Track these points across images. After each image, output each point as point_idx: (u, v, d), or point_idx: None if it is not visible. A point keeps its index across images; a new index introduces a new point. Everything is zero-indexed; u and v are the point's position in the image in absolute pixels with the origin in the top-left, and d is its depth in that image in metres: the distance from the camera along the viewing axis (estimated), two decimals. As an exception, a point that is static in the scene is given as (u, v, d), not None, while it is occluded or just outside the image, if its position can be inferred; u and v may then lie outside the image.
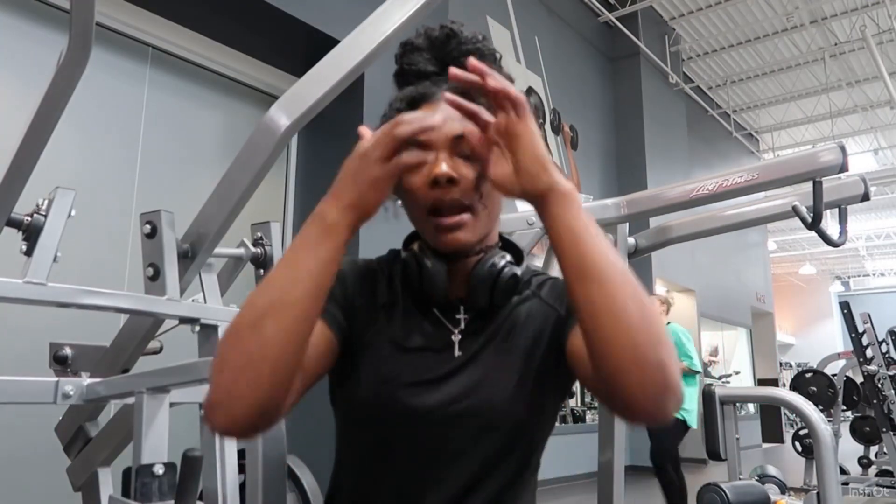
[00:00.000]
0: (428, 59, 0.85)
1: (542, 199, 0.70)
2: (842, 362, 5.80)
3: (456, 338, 0.83)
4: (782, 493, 2.63)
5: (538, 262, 2.02)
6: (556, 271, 1.87)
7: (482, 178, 0.77)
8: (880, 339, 5.15)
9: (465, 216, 0.78)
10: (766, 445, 11.18)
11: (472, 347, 0.83)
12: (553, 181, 0.69)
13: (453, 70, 0.69)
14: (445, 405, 0.79)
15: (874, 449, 5.78)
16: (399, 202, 0.85)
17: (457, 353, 0.83)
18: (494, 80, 0.68)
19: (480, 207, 0.79)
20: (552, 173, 0.70)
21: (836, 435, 4.76)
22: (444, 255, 0.82)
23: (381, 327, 0.83)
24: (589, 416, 7.37)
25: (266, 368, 0.65)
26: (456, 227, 0.78)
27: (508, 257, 0.84)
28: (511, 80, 0.81)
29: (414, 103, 0.82)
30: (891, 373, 5.02)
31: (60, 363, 1.66)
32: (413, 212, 0.82)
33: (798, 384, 5.42)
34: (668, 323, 4.79)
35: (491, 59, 0.84)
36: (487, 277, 0.81)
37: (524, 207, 1.86)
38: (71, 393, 1.39)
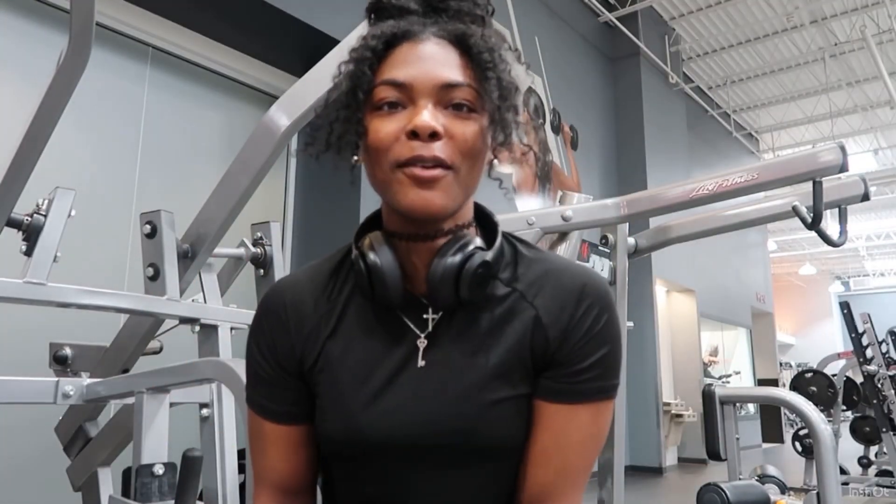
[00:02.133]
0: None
1: None
2: (842, 362, 5.79)
3: (421, 343, 0.69)
4: (782, 493, 2.63)
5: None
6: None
7: (475, 138, 0.65)
8: (880, 339, 5.15)
9: (445, 172, 0.64)
10: (766, 445, 11.18)
11: (439, 356, 0.69)
12: None
13: None
14: (410, 433, 0.67)
15: (874, 449, 5.77)
16: (357, 162, 0.70)
17: (419, 363, 0.69)
18: None
19: (464, 170, 0.66)
20: None
21: (836, 435, 4.75)
22: (410, 225, 0.68)
23: (333, 349, 0.71)
24: (589, 416, 7.36)
25: None
26: (432, 181, 0.63)
27: (478, 241, 0.68)
28: (503, 38, 0.71)
29: (394, 41, 0.67)
30: (891, 373, 5.01)
31: (60, 363, 1.66)
32: (377, 169, 0.66)
33: (798, 384, 5.42)
34: None
35: (484, 8, 0.71)
36: (448, 271, 0.66)
37: (524, 207, 1.85)
38: (71, 393, 1.39)
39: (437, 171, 0.63)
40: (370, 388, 0.68)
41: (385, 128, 0.65)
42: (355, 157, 0.69)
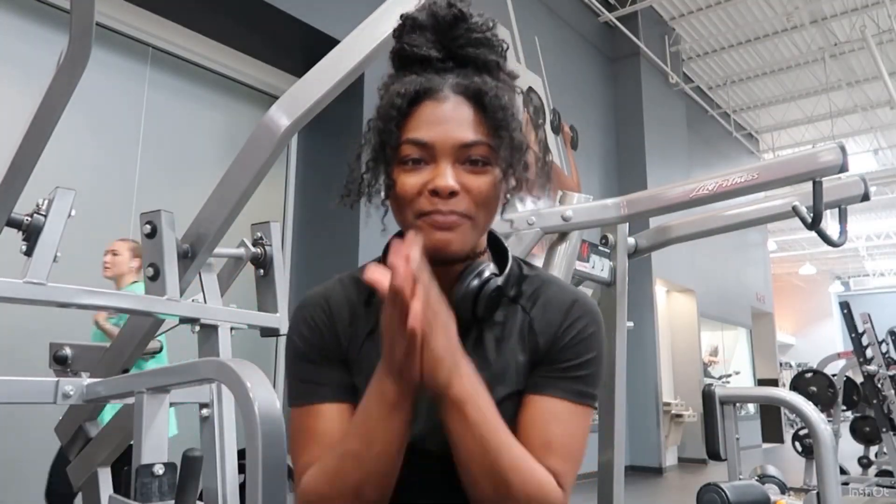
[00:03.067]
0: (431, 42, 0.76)
1: (437, 398, 0.69)
2: (842, 362, 5.80)
3: None
4: (782, 493, 2.63)
5: (538, 262, 2.01)
6: (556, 270, 1.86)
7: (489, 189, 0.74)
8: (880, 339, 5.15)
9: (462, 220, 0.73)
10: (766, 445, 11.18)
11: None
12: (444, 385, 0.67)
13: (368, 275, 0.64)
14: (422, 438, 0.75)
15: (874, 449, 5.77)
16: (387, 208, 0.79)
17: None
18: (398, 278, 0.62)
19: (480, 218, 0.75)
20: (443, 376, 0.67)
21: (836, 435, 4.76)
22: (431, 260, 0.74)
23: (371, 356, 0.78)
24: (589, 416, 7.37)
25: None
26: (451, 226, 0.73)
27: (492, 267, 0.79)
28: (514, 76, 0.80)
29: (417, 98, 0.74)
30: (891, 373, 5.02)
31: (60, 363, 1.66)
32: (402, 216, 0.76)
33: (798, 384, 5.42)
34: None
35: (498, 50, 0.78)
36: (469, 294, 0.77)
37: (524, 207, 1.86)
38: (71, 393, 1.39)
39: (454, 218, 0.73)
40: None
41: (409, 181, 0.73)
42: (385, 207, 0.79)
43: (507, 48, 0.81)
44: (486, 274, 0.77)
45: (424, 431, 0.75)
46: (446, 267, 0.77)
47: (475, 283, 0.77)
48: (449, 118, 0.73)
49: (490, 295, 0.77)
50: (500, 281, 0.78)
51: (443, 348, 0.67)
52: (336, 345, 0.80)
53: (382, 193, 0.78)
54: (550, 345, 0.79)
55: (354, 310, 0.82)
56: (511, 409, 0.77)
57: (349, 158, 0.81)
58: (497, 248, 0.86)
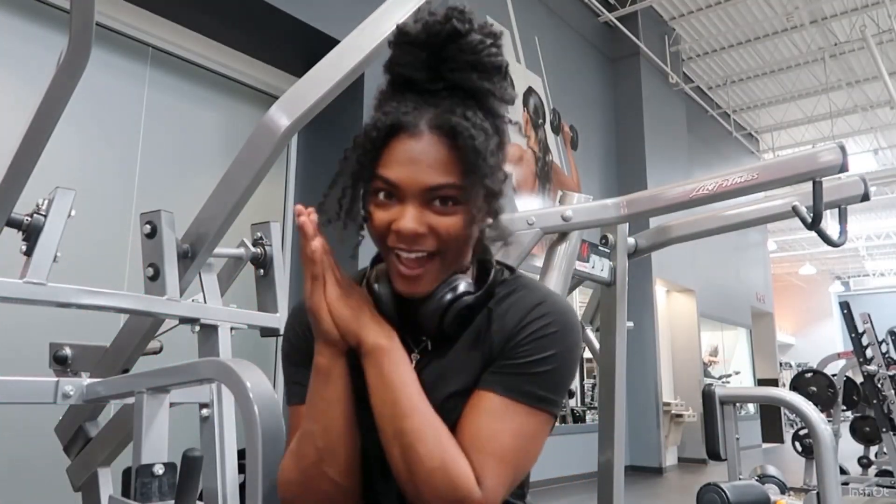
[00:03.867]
0: (420, 62, 0.73)
1: (357, 352, 0.75)
2: (842, 362, 5.79)
3: (415, 357, 0.80)
4: (782, 493, 2.63)
5: (538, 262, 2.01)
6: (556, 270, 1.86)
7: (458, 230, 0.73)
8: (880, 339, 5.15)
9: (429, 266, 0.75)
10: (766, 445, 11.18)
11: (428, 370, 0.79)
12: (355, 335, 0.74)
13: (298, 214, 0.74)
14: None
15: (874, 449, 5.77)
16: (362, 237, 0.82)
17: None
18: (310, 246, 0.73)
19: (450, 254, 0.76)
20: (353, 326, 0.74)
21: (836, 435, 4.75)
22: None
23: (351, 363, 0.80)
24: (589, 416, 7.37)
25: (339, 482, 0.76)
26: (416, 278, 0.75)
27: (467, 283, 0.78)
28: (508, 99, 0.77)
29: (392, 132, 0.73)
30: (891, 373, 5.01)
31: (60, 363, 1.66)
32: (379, 246, 0.78)
33: (798, 384, 5.42)
34: None
35: (495, 72, 0.74)
36: (435, 311, 0.77)
37: (524, 207, 1.85)
38: (71, 393, 1.39)
39: (420, 270, 0.74)
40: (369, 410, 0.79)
41: (380, 216, 0.74)
42: (361, 235, 0.80)
43: (507, 66, 0.77)
44: (461, 289, 0.77)
45: None
46: None
47: (445, 299, 0.77)
48: (419, 158, 0.72)
49: (458, 312, 0.77)
50: (471, 300, 0.77)
51: (344, 301, 0.73)
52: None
53: (359, 223, 0.79)
54: (505, 341, 0.77)
55: None
56: (457, 408, 0.76)
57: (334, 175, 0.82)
58: (482, 262, 0.85)
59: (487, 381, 0.76)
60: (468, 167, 0.72)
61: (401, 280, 0.75)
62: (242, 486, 1.40)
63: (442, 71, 0.73)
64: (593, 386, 7.67)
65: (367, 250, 0.82)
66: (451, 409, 0.75)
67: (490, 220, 0.78)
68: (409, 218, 0.72)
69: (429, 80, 0.74)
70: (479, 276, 0.83)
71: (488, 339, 0.78)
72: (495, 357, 0.77)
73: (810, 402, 2.28)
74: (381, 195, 0.74)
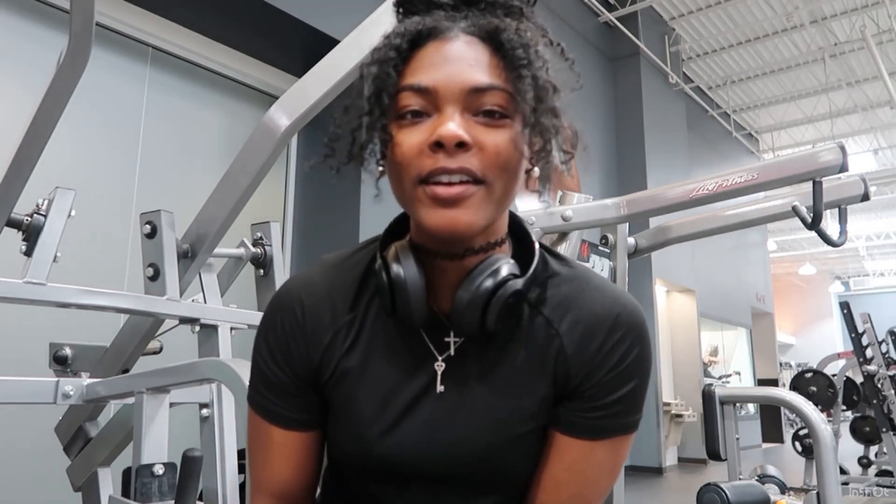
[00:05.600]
0: None
1: None
2: (842, 362, 5.79)
3: (439, 367, 0.65)
4: (782, 493, 2.63)
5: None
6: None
7: (508, 147, 0.58)
8: (880, 339, 5.15)
9: (472, 188, 0.57)
10: (765, 445, 11.17)
11: (460, 381, 0.64)
12: None
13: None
14: (428, 461, 0.64)
15: (874, 449, 5.77)
16: (382, 174, 0.64)
17: (439, 388, 0.65)
18: None
19: (498, 185, 0.59)
20: None
21: (836, 435, 4.75)
22: (436, 246, 0.62)
23: (351, 363, 0.66)
24: (589, 416, 7.37)
25: None
26: (456, 200, 0.57)
27: (511, 265, 0.62)
28: (543, 31, 0.65)
29: (419, 39, 0.60)
30: (891, 373, 5.01)
31: (60, 363, 1.66)
32: (399, 186, 0.60)
33: (798, 384, 5.42)
34: None
35: None
36: (477, 299, 0.60)
37: (524, 207, 1.85)
38: (71, 393, 1.39)
39: (461, 189, 0.57)
40: (388, 416, 0.65)
41: (408, 139, 0.58)
42: (381, 168, 0.63)
43: (535, 1, 0.66)
44: (504, 273, 0.61)
45: (430, 454, 0.64)
46: (455, 260, 0.63)
47: (487, 284, 0.60)
48: (457, 58, 0.58)
49: (505, 302, 0.60)
50: (520, 284, 0.61)
51: None
52: (307, 367, 0.67)
53: (378, 154, 0.63)
54: (587, 374, 0.63)
55: (335, 316, 0.68)
56: (531, 442, 0.65)
57: (334, 109, 0.66)
58: (520, 237, 0.69)
59: (574, 426, 0.64)
60: (518, 63, 0.58)
61: (437, 208, 0.57)
62: (242, 486, 1.40)
63: None
64: (593, 386, 7.67)
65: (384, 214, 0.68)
66: (518, 447, 0.64)
67: (541, 143, 0.61)
68: (451, 123, 0.56)
69: (455, 4, 0.63)
70: (517, 254, 0.67)
71: (562, 370, 0.63)
72: (573, 391, 0.64)
73: (810, 402, 2.28)
74: (409, 115, 0.59)
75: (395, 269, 0.62)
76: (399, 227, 0.70)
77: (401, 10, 0.66)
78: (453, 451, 0.64)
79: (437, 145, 0.57)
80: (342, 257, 0.72)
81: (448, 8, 0.62)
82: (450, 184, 0.57)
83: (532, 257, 0.66)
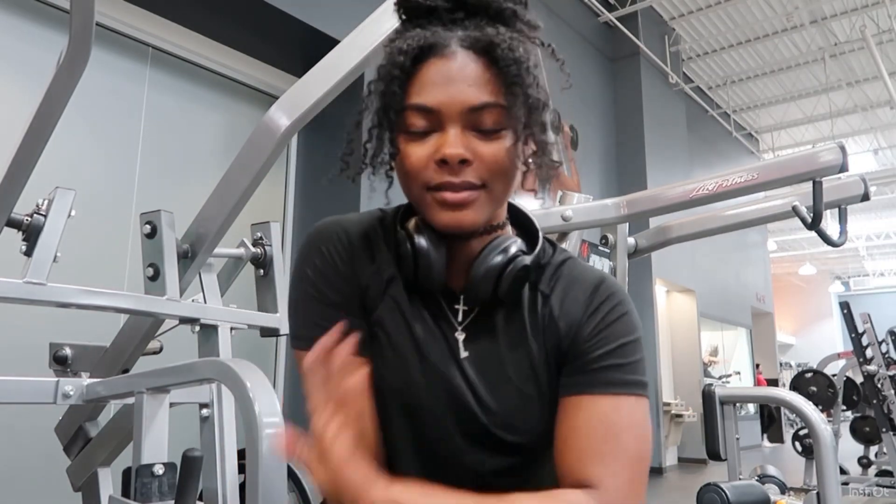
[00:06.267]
0: None
1: None
2: (842, 362, 5.79)
3: (460, 335, 0.72)
4: (782, 493, 2.63)
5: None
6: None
7: (504, 157, 0.66)
8: (880, 339, 5.15)
9: (475, 193, 0.66)
10: (765, 445, 11.18)
11: (478, 349, 0.72)
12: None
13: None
14: (463, 417, 0.71)
15: (874, 449, 5.77)
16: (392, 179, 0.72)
17: (462, 352, 0.72)
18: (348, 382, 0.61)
19: (496, 188, 0.68)
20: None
21: (836, 435, 4.75)
22: (445, 235, 0.70)
23: (390, 306, 0.73)
24: (589, 416, 7.37)
25: None
26: (461, 204, 0.66)
27: (520, 243, 0.72)
28: (534, 26, 0.71)
29: (421, 55, 0.66)
30: (891, 373, 5.01)
31: (60, 363, 1.66)
32: (409, 190, 0.69)
33: (798, 384, 5.42)
34: None
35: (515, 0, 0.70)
36: (492, 270, 0.69)
37: (524, 207, 1.86)
38: (71, 393, 1.39)
39: (466, 194, 0.66)
40: (429, 365, 0.71)
41: (416, 152, 0.66)
42: (390, 178, 0.71)
43: (526, 1, 0.72)
44: (513, 250, 0.70)
45: (467, 409, 0.70)
46: (465, 243, 0.72)
47: (499, 259, 0.69)
48: (456, 78, 0.65)
49: (516, 274, 0.69)
50: (528, 260, 0.70)
51: (354, 466, 0.61)
52: (354, 282, 0.73)
53: (387, 163, 0.70)
54: (576, 333, 0.71)
55: (375, 245, 0.74)
56: (542, 407, 0.71)
57: (347, 126, 0.73)
58: (522, 224, 0.79)
59: (579, 385, 0.69)
60: (510, 80, 0.65)
61: (444, 210, 0.66)
62: (242, 486, 1.40)
63: None
64: (593, 386, 7.67)
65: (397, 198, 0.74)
66: (507, 397, 0.70)
67: (534, 149, 0.70)
68: (454, 142, 0.64)
69: (449, 7, 0.68)
70: (522, 236, 0.76)
71: (553, 332, 0.71)
72: (567, 352, 0.71)
73: (810, 402, 2.28)
74: (415, 128, 0.66)
75: (420, 240, 0.70)
76: (410, 211, 0.76)
77: (401, 10, 0.71)
78: (484, 410, 0.70)
79: (443, 162, 0.65)
80: (370, 212, 0.78)
81: (444, 12, 0.68)
82: (455, 191, 0.66)
83: (537, 240, 0.75)
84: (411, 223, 0.72)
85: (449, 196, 0.66)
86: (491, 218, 0.71)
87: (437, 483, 0.66)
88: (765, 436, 10.68)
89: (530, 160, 0.70)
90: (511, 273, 0.69)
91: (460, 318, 0.73)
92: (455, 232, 0.68)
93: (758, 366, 10.89)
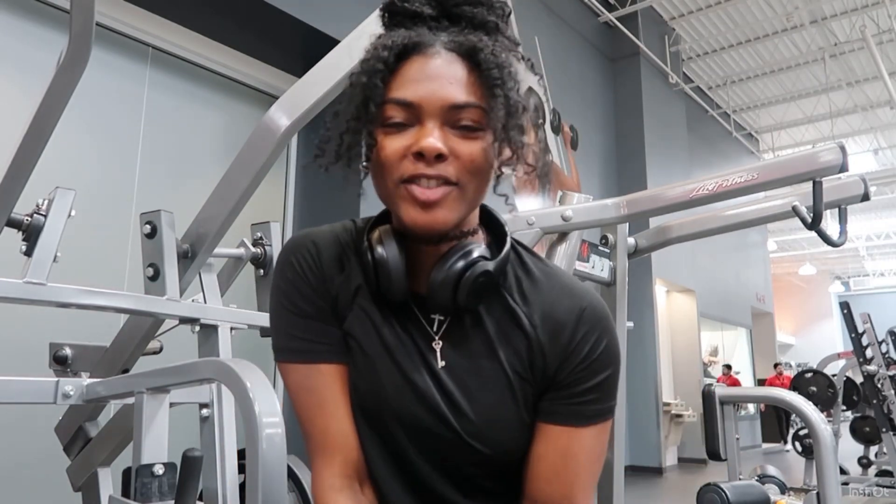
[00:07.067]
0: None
1: None
2: (842, 362, 5.79)
3: (437, 345, 0.72)
4: (782, 493, 2.63)
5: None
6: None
7: (480, 156, 0.66)
8: (880, 340, 5.15)
9: (448, 189, 0.66)
10: (765, 445, 11.18)
11: (454, 360, 0.72)
12: None
13: None
14: (434, 426, 0.71)
15: (874, 449, 5.77)
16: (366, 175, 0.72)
17: (439, 363, 0.72)
18: None
19: (470, 187, 0.67)
20: None
21: (836, 435, 4.75)
22: (416, 237, 0.69)
23: (359, 315, 0.73)
24: (589, 416, 7.37)
25: None
26: (435, 203, 0.65)
27: (483, 248, 0.70)
28: (515, 42, 0.72)
29: (405, 52, 0.66)
30: (891, 373, 5.01)
31: (60, 363, 1.66)
32: (382, 183, 0.68)
33: (798, 384, 5.42)
34: None
35: (498, 12, 0.71)
36: (449, 278, 0.68)
37: (525, 207, 1.85)
38: (71, 393, 1.39)
39: (440, 191, 0.65)
40: (400, 372, 0.71)
41: (392, 145, 0.66)
42: (365, 168, 0.71)
43: (510, 13, 0.73)
44: (474, 255, 0.69)
45: (440, 421, 0.70)
46: (431, 246, 0.71)
47: (459, 265, 0.68)
48: (438, 75, 0.65)
49: (475, 280, 0.68)
50: (490, 266, 0.69)
51: None
52: (325, 293, 0.73)
53: (362, 157, 0.70)
54: (560, 364, 0.71)
55: (345, 255, 0.74)
56: (519, 425, 0.72)
57: (326, 115, 0.73)
58: (494, 229, 0.77)
59: (558, 414, 0.72)
60: (492, 83, 0.65)
61: (416, 207, 0.65)
62: (242, 486, 1.40)
63: (447, 6, 0.69)
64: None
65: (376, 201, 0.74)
66: (483, 408, 0.71)
67: (509, 153, 0.69)
68: (431, 136, 0.64)
69: (434, 15, 0.69)
70: (492, 243, 0.75)
71: (539, 362, 0.71)
72: (550, 382, 0.72)
73: (810, 402, 2.28)
74: (393, 122, 0.66)
75: (379, 249, 0.70)
76: (383, 220, 0.76)
77: (386, 16, 0.71)
78: (458, 423, 0.70)
79: (419, 155, 0.64)
80: (343, 224, 0.78)
81: (430, 20, 0.69)
82: (428, 187, 0.65)
83: (503, 241, 0.74)
84: (376, 233, 0.72)
85: (420, 192, 0.65)
86: (462, 223, 0.70)
87: (409, 494, 0.70)
88: (787, 442, 10.60)
89: (505, 164, 0.70)
90: (469, 279, 0.68)
91: (435, 326, 0.73)
92: (426, 233, 0.67)
93: (728, 367, 10.87)
